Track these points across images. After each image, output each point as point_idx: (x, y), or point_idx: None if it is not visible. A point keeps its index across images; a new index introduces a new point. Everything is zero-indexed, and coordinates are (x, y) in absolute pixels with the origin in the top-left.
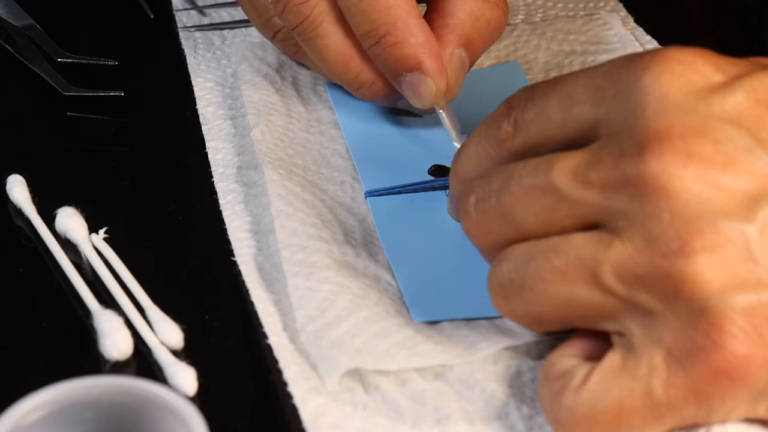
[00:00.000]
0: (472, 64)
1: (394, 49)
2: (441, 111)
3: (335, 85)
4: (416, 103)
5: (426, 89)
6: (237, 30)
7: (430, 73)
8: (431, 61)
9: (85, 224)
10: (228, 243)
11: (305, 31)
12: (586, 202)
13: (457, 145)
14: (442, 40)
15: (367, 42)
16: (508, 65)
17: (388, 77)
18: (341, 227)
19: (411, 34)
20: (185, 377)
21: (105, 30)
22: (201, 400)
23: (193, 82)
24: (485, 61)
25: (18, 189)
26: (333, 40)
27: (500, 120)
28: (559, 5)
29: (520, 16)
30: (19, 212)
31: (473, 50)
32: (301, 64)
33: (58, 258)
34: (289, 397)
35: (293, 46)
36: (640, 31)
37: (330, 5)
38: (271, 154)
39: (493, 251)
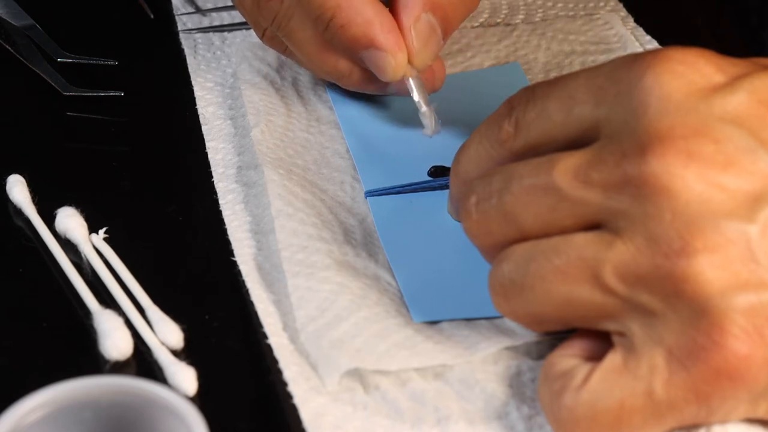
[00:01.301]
0: (446, 32)
1: (342, 31)
2: (410, 79)
3: (335, 85)
4: (383, 78)
5: (385, 63)
6: (237, 30)
7: (384, 48)
8: (383, 35)
9: (85, 224)
10: (228, 243)
11: (280, 28)
12: (588, 202)
13: (424, 109)
14: (407, 6)
15: (320, 28)
16: (508, 66)
17: (349, 57)
18: (341, 227)
19: (357, 13)
20: (185, 377)
21: (105, 30)
22: (201, 400)
23: (193, 82)
24: (485, 61)
25: (18, 189)
26: (306, 33)
27: (501, 120)
28: (559, 5)
29: (520, 16)
30: (19, 212)
31: (443, 16)
32: None
33: (58, 258)
34: (289, 397)
35: (281, 44)
36: (640, 31)
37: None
38: (271, 154)
39: (494, 251)
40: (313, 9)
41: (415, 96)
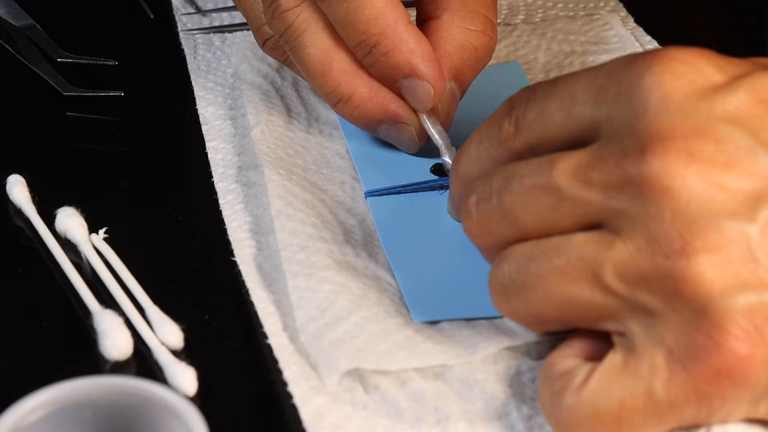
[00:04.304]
0: (463, 93)
1: (386, 58)
2: (431, 126)
3: None
4: (418, 108)
5: (424, 92)
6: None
7: (425, 77)
8: (425, 65)
9: (85, 224)
10: (228, 243)
11: (290, 39)
12: (588, 201)
13: (447, 159)
14: None
15: (360, 53)
16: (508, 65)
17: (387, 85)
18: (341, 227)
19: (401, 41)
20: (185, 377)
21: (105, 30)
22: (201, 400)
23: (193, 82)
24: None
25: (18, 189)
26: (315, 49)
27: (501, 120)
28: (559, 5)
29: (520, 16)
30: (19, 212)
31: (463, 80)
32: None
33: (58, 258)
34: (289, 397)
35: (282, 54)
36: (640, 31)
37: (315, 15)
38: (271, 154)
39: (494, 251)
40: (355, 34)
41: (438, 141)
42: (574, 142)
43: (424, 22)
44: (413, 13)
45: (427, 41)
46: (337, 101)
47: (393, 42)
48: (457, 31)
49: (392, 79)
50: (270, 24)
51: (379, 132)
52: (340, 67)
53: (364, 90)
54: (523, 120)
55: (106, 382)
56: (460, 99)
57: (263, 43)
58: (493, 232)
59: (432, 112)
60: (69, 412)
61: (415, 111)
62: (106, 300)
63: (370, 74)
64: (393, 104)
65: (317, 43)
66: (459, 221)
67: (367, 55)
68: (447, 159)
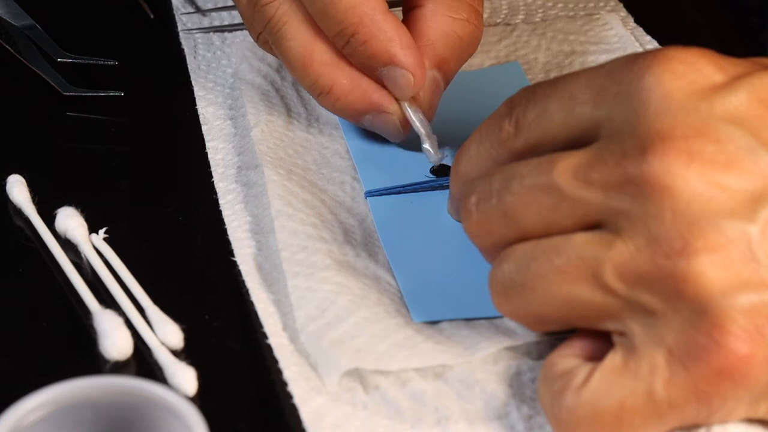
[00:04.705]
0: (447, 82)
1: (364, 48)
2: (412, 114)
3: None
4: (399, 96)
5: (404, 81)
6: (237, 30)
7: (404, 65)
8: (403, 52)
9: (85, 224)
10: (228, 243)
11: (271, 32)
12: (588, 201)
13: (427, 147)
14: None
15: (339, 43)
16: (508, 65)
17: (368, 74)
18: (341, 227)
19: (379, 29)
20: (185, 377)
21: (105, 30)
22: (201, 400)
23: (193, 82)
24: (485, 61)
25: (18, 189)
26: (295, 42)
27: (501, 120)
28: (559, 5)
29: (520, 16)
30: (19, 212)
31: (447, 69)
32: None
33: (58, 258)
34: (289, 397)
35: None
36: (640, 31)
37: (295, 6)
38: (271, 154)
39: (495, 251)
40: (332, 25)
41: (420, 129)
42: (574, 142)
43: (409, 11)
44: (399, 13)
45: (405, 29)
46: (319, 93)
47: (371, 31)
48: (442, 19)
49: (372, 68)
50: (254, 17)
51: (364, 122)
52: (320, 58)
53: (345, 81)
54: (523, 120)
55: (106, 382)
56: (445, 88)
57: (256, 37)
58: (493, 232)
59: (413, 101)
60: (69, 412)
61: (397, 99)
62: (106, 300)
63: (351, 65)
64: (374, 94)
65: (297, 35)
66: (459, 221)
67: (346, 45)
68: (427, 147)
